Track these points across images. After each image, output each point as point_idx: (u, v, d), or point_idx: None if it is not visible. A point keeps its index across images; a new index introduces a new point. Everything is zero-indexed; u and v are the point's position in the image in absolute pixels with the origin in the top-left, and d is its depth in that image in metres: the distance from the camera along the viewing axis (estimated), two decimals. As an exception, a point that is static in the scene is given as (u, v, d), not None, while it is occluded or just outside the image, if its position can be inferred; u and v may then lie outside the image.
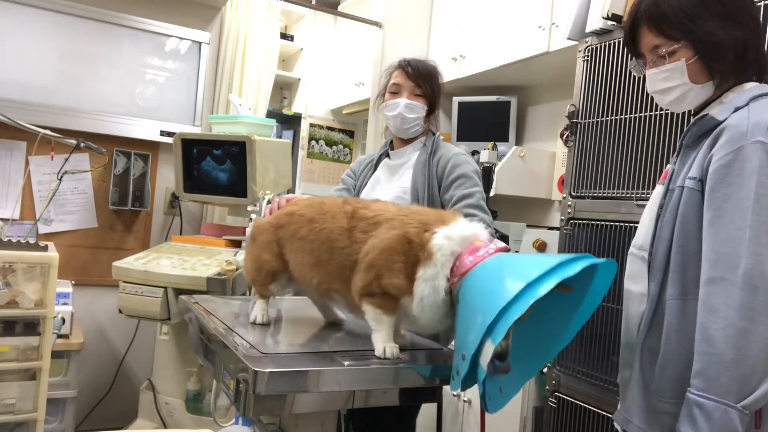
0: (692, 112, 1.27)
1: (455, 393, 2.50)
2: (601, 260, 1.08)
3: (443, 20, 3.19)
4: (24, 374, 2.07)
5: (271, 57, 3.43)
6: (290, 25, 4.06)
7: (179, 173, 2.86)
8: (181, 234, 3.23)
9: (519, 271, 1.04)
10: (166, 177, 3.23)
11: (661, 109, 1.78)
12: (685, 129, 1.69)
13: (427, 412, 1.86)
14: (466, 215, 1.67)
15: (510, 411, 2.25)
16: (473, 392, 2.40)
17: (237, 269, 2.47)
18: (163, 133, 3.15)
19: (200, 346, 1.50)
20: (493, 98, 3.03)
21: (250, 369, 1.07)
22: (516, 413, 2.25)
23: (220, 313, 1.53)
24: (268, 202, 2.61)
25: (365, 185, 1.94)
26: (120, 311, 2.58)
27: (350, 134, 4.16)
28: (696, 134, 1.19)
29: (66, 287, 2.57)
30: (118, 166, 3.09)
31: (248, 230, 2.60)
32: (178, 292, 2.36)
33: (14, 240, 2.24)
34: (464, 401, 2.52)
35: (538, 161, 2.79)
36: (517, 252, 2.56)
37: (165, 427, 2.68)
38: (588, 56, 2.04)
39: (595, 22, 2.01)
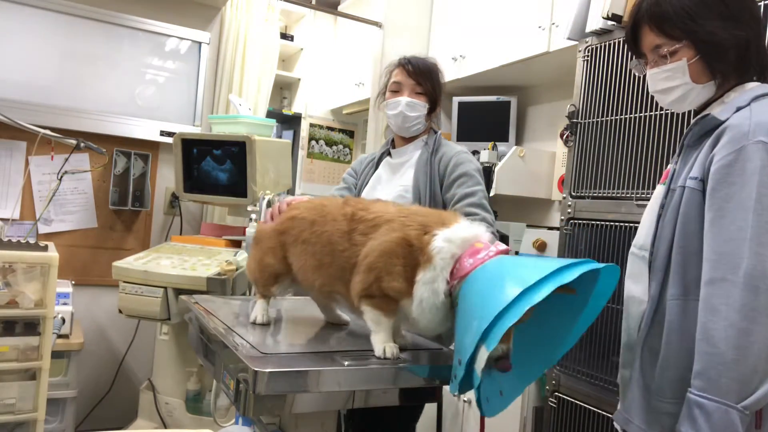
0: (693, 112, 1.27)
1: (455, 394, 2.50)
2: (601, 265, 1.07)
3: (443, 20, 3.19)
4: (24, 374, 2.07)
5: (271, 57, 3.43)
6: (290, 25, 4.06)
7: (179, 173, 2.86)
8: (181, 234, 3.23)
9: (517, 276, 1.03)
10: (166, 177, 3.23)
11: (661, 109, 1.78)
12: (685, 129, 1.70)
13: (427, 411, 1.86)
14: (468, 214, 1.67)
15: (510, 411, 2.23)
16: (474, 392, 2.40)
17: (237, 269, 2.47)
18: (163, 133, 3.15)
19: (200, 346, 1.50)
20: (493, 98, 3.03)
21: (250, 369, 1.07)
22: (516, 413, 2.25)
23: (220, 313, 1.53)
24: (268, 203, 2.61)
25: (366, 184, 1.93)
26: (120, 311, 2.58)
27: (350, 134, 4.16)
28: (697, 134, 1.19)
29: (66, 287, 2.57)
30: (118, 166, 3.09)
31: (248, 231, 2.62)
32: (178, 292, 2.37)
33: (14, 240, 2.24)
34: (464, 401, 2.52)
35: (538, 161, 2.79)
36: (517, 252, 2.56)
37: (165, 427, 2.67)
38: (588, 56, 2.04)
39: (595, 22, 2.00)
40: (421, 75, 1.85)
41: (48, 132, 2.71)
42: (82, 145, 2.78)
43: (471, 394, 2.46)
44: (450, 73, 2.94)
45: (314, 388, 1.12)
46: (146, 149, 3.16)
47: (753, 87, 1.17)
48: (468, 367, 1.03)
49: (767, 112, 1.09)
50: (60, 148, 2.84)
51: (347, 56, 3.82)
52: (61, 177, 2.89)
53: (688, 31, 1.17)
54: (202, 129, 3.26)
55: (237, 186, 2.75)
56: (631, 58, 1.32)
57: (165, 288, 2.48)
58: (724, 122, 1.12)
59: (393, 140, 1.96)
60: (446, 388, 1.26)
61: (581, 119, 2.05)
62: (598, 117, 2.00)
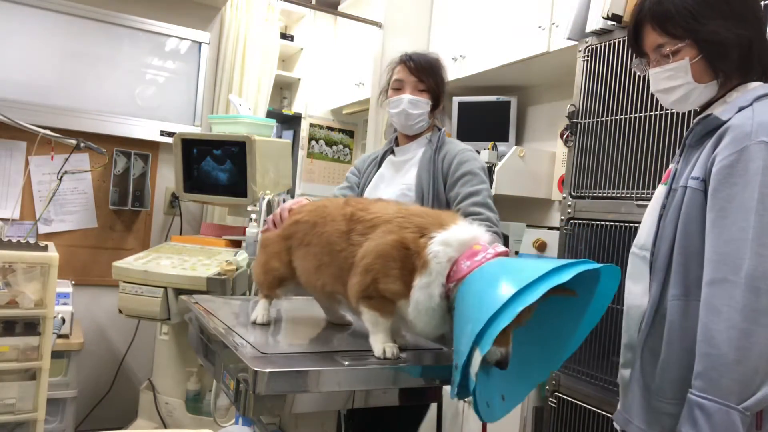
0: (695, 112, 1.26)
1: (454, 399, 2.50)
2: (597, 265, 1.06)
3: (443, 20, 3.19)
4: (24, 374, 2.07)
5: (271, 57, 3.43)
6: (290, 25, 4.06)
7: (179, 173, 2.86)
8: (181, 234, 3.23)
9: (511, 278, 1.02)
10: (166, 177, 3.23)
11: (661, 109, 1.78)
12: (685, 129, 1.70)
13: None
14: (472, 214, 1.65)
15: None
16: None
17: (237, 269, 2.47)
18: (163, 133, 3.15)
19: (200, 346, 1.50)
20: (493, 98, 3.03)
21: (250, 369, 1.07)
22: (516, 413, 2.25)
23: (220, 313, 1.53)
24: (268, 203, 2.61)
25: (369, 182, 1.91)
26: (120, 311, 2.58)
27: (350, 134, 4.16)
28: (699, 134, 1.19)
29: (66, 287, 2.57)
30: (118, 166, 3.09)
31: (248, 231, 2.62)
32: (178, 292, 2.37)
33: (14, 240, 2.24)
34: (465, 401, 2.52)
35: (538, 161, 2.78)
36: (517, 253, 2.56)
37: (165, 427, 2.67)
38: (588, 56, 2.04)
39: (595, 22, 2.00)
40: (423, 71, 1.82)
41: (48, 132, 2.71)
42: (82, 145, 2.79)
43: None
44: (450, 73, 2.91)
45: (314, 388, 1.12)
46: (146, 149, 3.15)
47: (755, 87, 1.17)
48: (464, 371, 1.02)
49: None
50: (60, 148, 2.84)
51: (347, 56, 3.82)
52: (61, 177, 2.89)
53: (691, 30, 1.17)
54: (202, 129, 3.26)
55: (237, 186, 2.75)
56: (633, 58, 1.31)
57: (165, 288, 2.48)
58: (726, 122, 1.12)
59: (396, 138, 1.94)
60: (446, 388, 1.26)
61: (581, 119, 2.05)
62: (598, 117, 2.00)
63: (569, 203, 2.06)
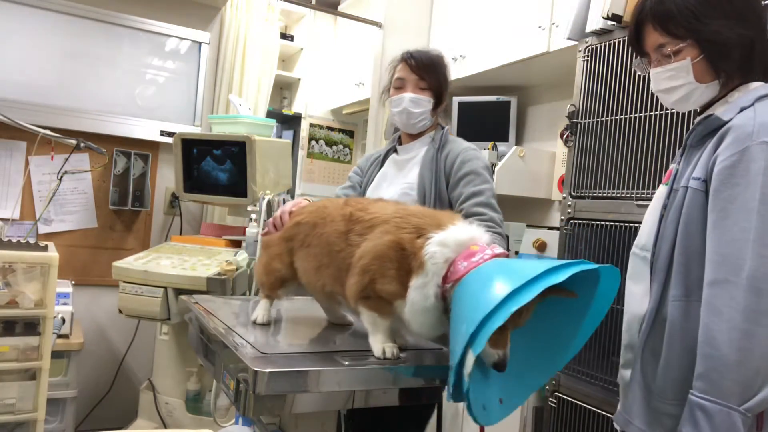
0: (696, 112, 1.26)
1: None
2: (594, 265, 1.04)
3: (443, 20, 3.19)
4: (24, 374, 2.07)
5: (271, 57, 3.44)
6: (290, 25, 4.06)
7: (179, 173, 2.86)
8: (181, 234, 3.23)
9: (506, 278, 1.00)
10: (166, 177, 3.23)
11: (662, 109, 1.78)
12: (685, 129, 1.70)
13: (427, 412, 1.86)
14: (475, 214, 1.63)
15: (510, 411, 2.25)
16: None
17: (237, 269, 2.47)
18: (163, 133, 3.15)
19: (200, 346, 1.50)
20: (493, 98, 3.03)
21: (250, 369, 1.07)
22: (516, 413, 2.25)
23: (220, 313, 1.53)
24: (268, 203, 2.61)
25: (372, 181, 1.89)
26: (120, 311, 2.58)
27: (350, 134, 4.16)
28: (701, 134, 1.18)
29: (66, 287, 2.57)
30: (118, 166, 3.09)
31: (248, 231, 2.62)
32: (178, 292, 2.37)
33: (14, 240, 2.24)
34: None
35: (538, 161, 2.78)
36: (517, 253, 2.56)
37: (165, 427, 2.67)
38: (588, 56, 2.04)
39: (595, 22, 2.00)
40: (424, 69, 1.79)
41: (48, 132, 2.71)
42: (82, 145, 2.79)
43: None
44: (450, 73, 2.94)
45: (314, 388, 1.12)
46: (146, 149, 3.15)
47: (757, 87, 1.16)
48: (457, 372, 1.01)
49: None
50: (60, 148, 2.85)
51: (347, 56, 3.82)
52: (61, 177, 2.89)
53: (692, 30, 1.16)
54: (202, 129, 3.26)
55: (237, 186, 2.75)
56: (634, 58, 1.31)
57: (165, 288, 2.48)
58: (727, 122, 1.12)
59: (400, 137, 1.92)
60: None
61: (581, 119, 2.05)
62: (598, 117, 2.00)
63: (569, 203, 2.06)
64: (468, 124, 3.09)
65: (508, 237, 2.70)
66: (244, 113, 2.86)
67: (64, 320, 2.45)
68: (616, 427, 1.27)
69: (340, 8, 3.87)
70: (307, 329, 1.52)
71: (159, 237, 3.25)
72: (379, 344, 1.23)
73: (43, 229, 2.96)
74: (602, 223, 1.94)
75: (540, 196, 2.81)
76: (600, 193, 1.97)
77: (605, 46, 1.99)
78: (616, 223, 1.88)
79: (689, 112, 1.62)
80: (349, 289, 1.24)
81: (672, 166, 1.27)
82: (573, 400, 1.98)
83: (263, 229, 1.63)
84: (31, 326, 2.05)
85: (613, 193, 1.93)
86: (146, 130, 3.13)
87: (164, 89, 3.23)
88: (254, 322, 1.45)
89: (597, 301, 1.14)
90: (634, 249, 1.29)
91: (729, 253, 1.05)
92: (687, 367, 1.10)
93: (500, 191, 2.68)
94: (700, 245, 1.11)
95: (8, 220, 2.84)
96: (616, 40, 1.94)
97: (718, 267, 1.06)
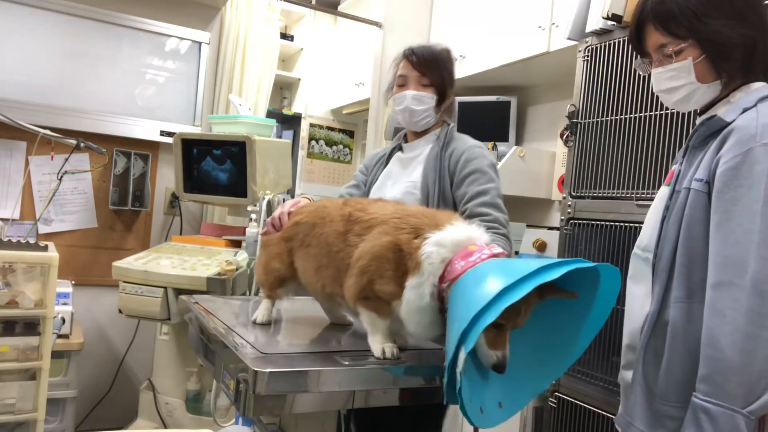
0: (697, 112, 1.26)
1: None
2: (590, 263, 1.03)
3: (443, 20, 3.19)
4: (24, 374, 2.07)
5: (271, 57, 3.43)
6: (290, 25, 4.06)
7: (179, 173, 2.86)
8: (181, 234, 3.23)
9: (499, 276, 1.00)
10: (166, 177, 3.23)
11: (662, 109, 1.78)
12: (685, 129, 1.69)
13: (427, 412, 1.86)
14: (480, 215, 1.60)
15: (510, 411, 2.24)
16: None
17: (237, 269, 2.47)
18: (163, 133, 3.15)
19: (200, 346, 1.50)
20: (493, 98, 3.03)
21: (250, 369, 1.07)
22: (516, 413, 2.25)
23: (220, 313, 1.53)
24: (268, 203, 2.61)
25: (377, 180, 1.86)
26: (120, 311, 2.58)
27: (350, 134, 4.16)
28: (703, 135, 1.18)
29: (66, 287, 2.57)
30: (118, 166, 3.09)
31: (249, 231, 2.62)
32: (178, 292, 2.37)
33: (14, 240, 2.24)
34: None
35: (538, 161, 2.78)
36: (517, 253, 2.56)
37: (165, 427, 2.68)
38: (588, 56, 2.04)
39: (595, 22, 2.00)
40: (426, 65, 1.74)
41: (48, 132, 2.71)
42: (82, 145, 2.79)
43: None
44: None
45: (314, 388, 1.12)
46: (146, 149, 3.15)
47: (759, 87, 1.16)
48: (451, 372, 1.00)
49: None
50: (60, 148, 2.84)
51: (347, 56, 3.82)
52: (61, 177, 2.89)
53: (694, 30, 1.16)
54: (202, 129, 3.26)
55: (237, 186, 2.75)
56: (635, 58, 1.31)
57: (165, 288, 2.48)
58: (730, 124, 1.11)
59: (406, 134, 1.88)
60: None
61: (581, 119, 2.05)
62: (598, 117, 2.00)
63: (569, 203, 2.06)
64: (468, 124, 3.08)
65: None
66: (244, 113, 2.86)
67: (64, 320, 2.45)
68: (618, 429, 1.27)
69: (340, 8, 3.87)
70: (307, 329, 1.52)
71: (159, 237, 3.25)
72: (378, 344, 1.23)
73: (43, 229, 2.96)
74: (602, 223, 1.94)
75: (540, 196, 2.81)
76: (600, 193, 1.97)
77: (605, 46, 1.99)
78: (616, 223, 1.88)
79: (689, 112, 1.62)
80: (348, 290, 1.24)
81: (674, 167, 1.27)
82: (573, 400, 1.98)
83: (263, 228, 1.62)
84: (31, 326, 2.05)
85: (613, 193, 1.93)
86: (146, 130, 3.13)
87: (164, 89, 3.23)
88: (254, 322, 1.45)
89: (598, 303, 1.13)
90: (635, 250, 1.29)
91: (732, 255, 1.04)
92: (689, 370, 1.09)
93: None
94: (703, 247, 1.11)
95: (8, 220, 2.84)
96: (616, 40, 1.94)
97: (722, 269, 1.05)
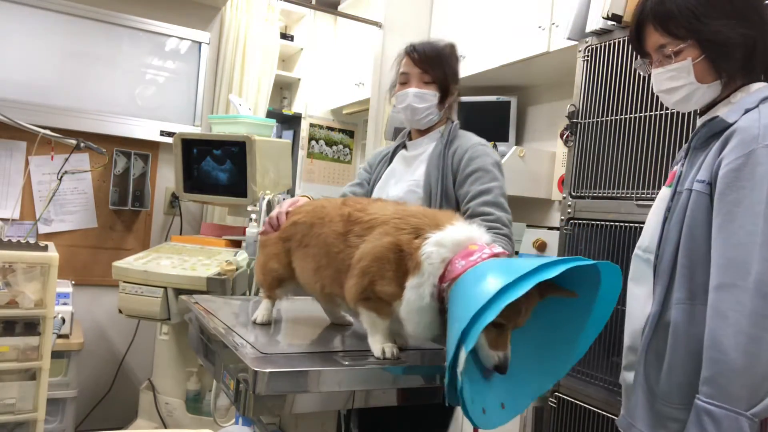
0: (698, 112, 1.26)
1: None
2: (589, 261, 1.03)
3: (443, 20, 3.19)
4: (24, 374, 2.07)
5: (271, 57, 3.43)
6: (290, 25, 4.05)
7: (179, 173, 2.86)
8: (181, 234, 3.23)
9: (498, 275, 1.00)
10: (166, 177, 3.23)
11: (662, 109, 1.78)
12: (685, 129, 1.69)
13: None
14: (482, 214, 1.59)
15: (510, 411, 2.24)
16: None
17: (237, 269, 2.47)
18: (163, 133, 3.15)
19: (200, 346, 1.50)
20: (493, 98, 3.03)
21: (250, 369, 1.07)
22: (516, 413, 2.25)
23: (220, 313, 1.53)
24: (268, 203, 2.61)
25: (380, 178, 1.84)
26: (120, 311, 2.58)
27: (350, 134, 4.16)
28: (705, 136, 1.18)
29: (66, 287, 2.57)
30: (118, 166, 3.09)
31: (248, 231, 2.62)
32: (178, 292, 2.37)
33: (14, 240, 2.24)
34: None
35: (538, 161, 2.78)
36: (517, 253, 2.56)
37: (165, 427, 2.67)
38: (588, 56, 2.04)
39: (595, 22, 2.00)
40: (427, 62, 1.71)
41: (48, 132, 2.71)
42: (82, 145, 2.79)
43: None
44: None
45: (314, 388, 1.12)
46: (146, 149, 3.15)
47: (760, 87, 1.16)
48: (452, 372, 1.00)
49: None
50: (60, 148, 2.84)
51: (347, 56, 3.82)
52: (61, 177, 2.89)
53: (693, 30, 1.16)
54: (202, 129, 3.26)
55: (237, 186, 2.75)
56: (635, 58, 1.31)
57: (165, 288, 2.48)
58: (732, 125, 1.11)
59: (410, 132, 1.86)
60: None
61: (581, 119, 2.05)
62: (598, 117, 2.00)
63: (569, 203, 2.06)
64: (468, 124, 3.07)
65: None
66: (244, 113, 2.86)
67: (64, 320, 2.45)
68: (620, 430, 1.26)
69: (340, 8, 3.87)
70: (307, 329, 1.52)
71: (159, 237, 3.25)
72: (378, 344, 1.23)
73: (43, 229, 2.96)
74: (602, 223, 1.94)
75: (540, 196, 2.81)
76: (600, 193, 1.97)
77: (605, 46, 1.99)
78: (616, 223, 1.88)
79: (689, 113, 1.62)
80: (349, 291, 1.24)
81: (675, 168, 1.26)
82: (573, 401, 1.98)
83: (262, 228, 1.62)
84: (31, 326, 2.05)
85: (613, 193, 1.93)
86: (146, 130, 3.13)
87: (164, 89, 3.23)
88: (254, 322, 1.45)
89: (599, 303, 1.13)
90: (636, 251, 1.29)
91: (735, 256, 1.04)
92: (692, 371, 1.09)
93: (500, 191, 2.68)
94: (705, 248, 1.10)
95: (8, 220, 2.84)
96: (616, 40, 1.94)
97: (724, 271, 1.05)
